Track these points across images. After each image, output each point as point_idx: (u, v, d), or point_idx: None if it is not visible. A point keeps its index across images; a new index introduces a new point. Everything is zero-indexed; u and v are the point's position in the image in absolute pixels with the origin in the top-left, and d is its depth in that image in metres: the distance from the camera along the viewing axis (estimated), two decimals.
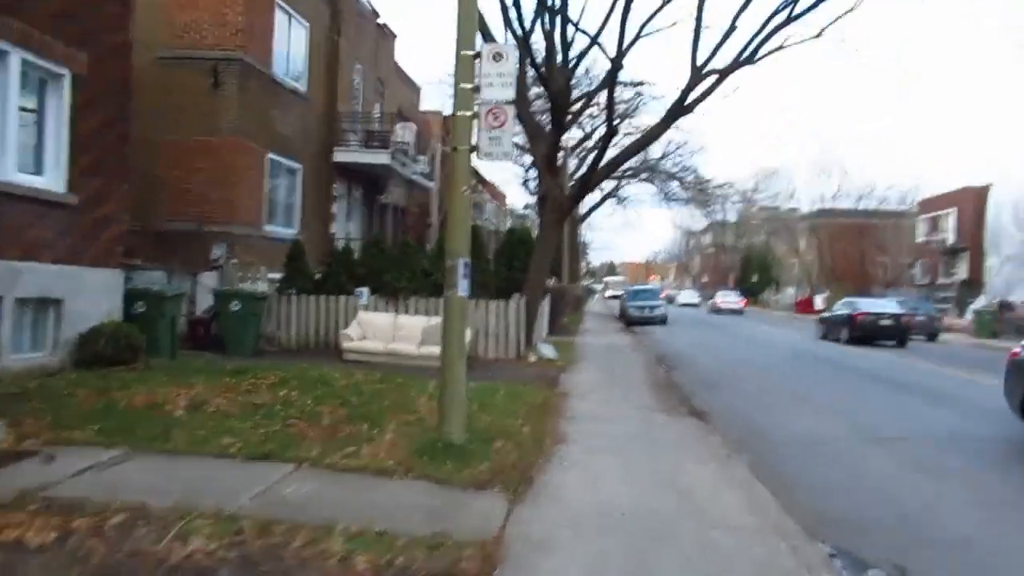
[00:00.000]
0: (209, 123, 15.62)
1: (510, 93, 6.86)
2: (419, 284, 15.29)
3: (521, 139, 21.11)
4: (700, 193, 41.27)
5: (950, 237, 51.25)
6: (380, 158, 20.63)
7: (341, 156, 20.57)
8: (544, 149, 16.31)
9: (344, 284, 15.32)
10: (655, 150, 39.65)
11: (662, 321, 34.62)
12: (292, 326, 15.42)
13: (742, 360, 19.86)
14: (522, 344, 15.31)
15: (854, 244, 60.04)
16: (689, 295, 76.77)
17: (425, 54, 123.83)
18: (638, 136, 15.99)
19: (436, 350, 13.83)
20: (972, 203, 48.25)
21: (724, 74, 14.95)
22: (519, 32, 15.28)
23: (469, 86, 6.76)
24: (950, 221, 51.68)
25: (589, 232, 66.23)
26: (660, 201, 44.61)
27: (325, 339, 15.24)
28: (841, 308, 27.90)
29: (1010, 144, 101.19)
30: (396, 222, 26.99)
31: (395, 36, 25.90)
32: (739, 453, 7.96)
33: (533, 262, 16.00)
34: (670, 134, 39.65)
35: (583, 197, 17.87)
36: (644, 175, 42.63)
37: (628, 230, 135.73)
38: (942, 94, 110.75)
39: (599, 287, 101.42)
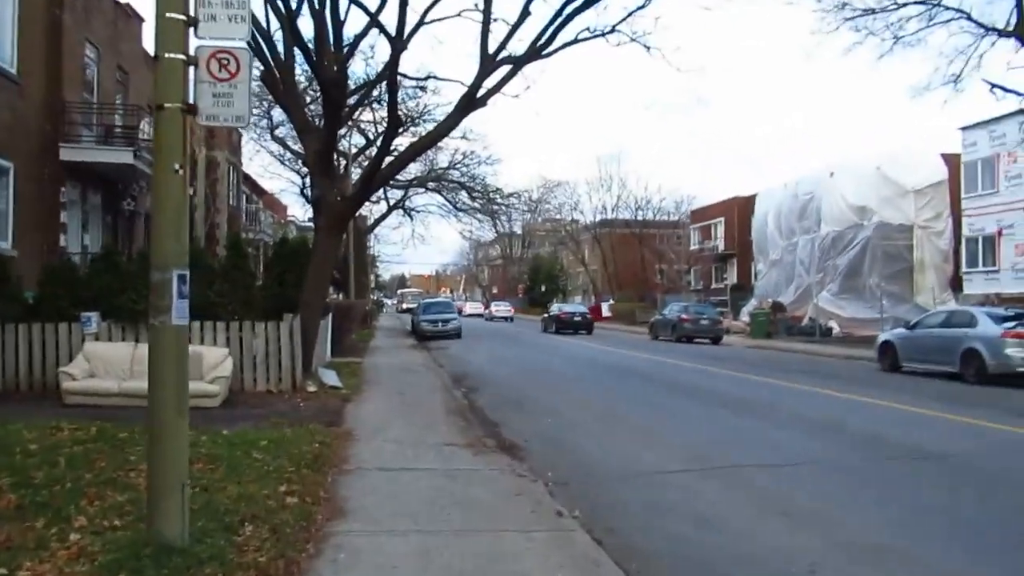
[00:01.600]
0: None
1: (243, 31, 4.76)
2: None
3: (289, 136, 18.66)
4: (488, 203, 40.43)
5: (720, 244, 54.40)
6: (121, 157, 17.30)
7: (71, 154, 17.01)
8: (316, 145, 14.08)
9: (65, 309, 12.17)
10: (442, 159, 38.37)
11: (456, 335, 33.12)
12: None
13: (543, 372, 18.68)
14: (298, 372, 12.96)
15: (635, 252, 62.48)
16: (474, 306, 78.00)
17: None
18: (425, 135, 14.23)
19: (189, 386, 11.28)
20: (739, 212, 51.45)
21: (518, 64, 13.58)
22: (281, 7, 12.99)
23: (179, 16, 4.58)
24: (720, 229, 54.89)
25: (377, 245, 63.92)
26: (448, 213, 43.45)
27: (43, 379, 12.01)
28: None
29: (773, 156, 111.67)
30: (149, 232, 23.32)
31: (142, 20, 22.35)
32: (570, 506, 6.32)
33: (309, 276, 13.71)
34: (458, 143, 38.75)
35: (364, 201, 15.82)
36: (431, 185, 41.20)
37: (417, 243, 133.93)
38: (719, 109, 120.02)
39: (392, 300, 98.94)
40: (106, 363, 11.65)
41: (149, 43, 23.01)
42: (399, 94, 13.12)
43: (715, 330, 31.84)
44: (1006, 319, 16.58)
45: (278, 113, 32.36)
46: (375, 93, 18.82)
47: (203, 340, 12.48)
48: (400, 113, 13.12)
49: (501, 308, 64.86)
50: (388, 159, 15.24)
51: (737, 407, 12.91)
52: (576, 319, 39.58)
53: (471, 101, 13.49)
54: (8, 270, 12.13)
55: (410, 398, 13.30)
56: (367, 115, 33.19)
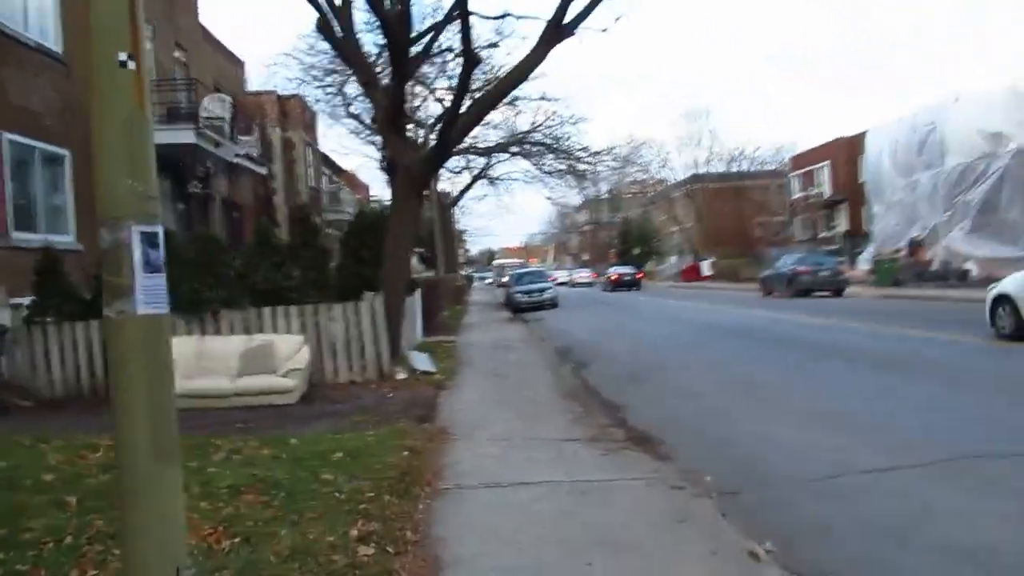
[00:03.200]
0: None
1: None
2: (232, 292, 11.05)
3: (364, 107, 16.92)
4: (577, 163, 38.16)
5: (826, 190, 50.50)
6: (182, 136, 16.01)
7: None
8: (385, 100, 12.35)
9: None
10: (523, 123, 36.34)
11: (552, 305, 31.30)
12: (54, 367, 10.83)
13: (655, 339, 16.59)
14: (384, 358, 11.34)
15: (731, 206, 59.02)
16: (561, 274, 76.16)
17: (255, 30, 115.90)
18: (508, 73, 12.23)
19: (260, 381, 9.66)
20: (845, 154, 47.49)
21: None
22: None
23: None
24: (825, 174, 50.92)
25: (463, 218, 62.54)
26: (533, 179, 41.41)
27: (105, 381, 10.74)
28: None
29: (884, 91, 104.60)
30: (229, 220, 22.26)
31: None
32: (756, 533, 4.35)
33: (387, 249, 12.04)
34: (539, 104, 36.63)
35: (444, 158, 14.02)
36: (514, 149, 39.21)
37: (503, 214, 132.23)
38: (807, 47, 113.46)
39: (482, 274, 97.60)
40: None
41: (207, 17, 21.59)
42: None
43: (836, 281, 28.87)
44: None
45: (352, 88, 31.01)
46: (444, 43, 16.96)
47: (276, 328, 11.00)
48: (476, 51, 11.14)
49: (583, 275, 69.21)
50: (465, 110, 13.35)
51: (908, 371, 10.53)
52: (626, 279, 49.36)
53: (557, 29, 11.43)
54: (58, 264, 10.88)
55: (513, 380, 11.53)
56: (442, 83, 31.56)
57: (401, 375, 11.30)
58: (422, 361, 12.37)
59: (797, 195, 53.77)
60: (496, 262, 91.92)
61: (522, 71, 11.87)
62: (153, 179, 2.87)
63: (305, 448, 6.46)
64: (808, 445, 6.76)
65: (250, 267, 11.16)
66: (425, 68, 32.86)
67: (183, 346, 10.43)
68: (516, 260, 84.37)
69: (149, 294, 2.81)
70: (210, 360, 10.29)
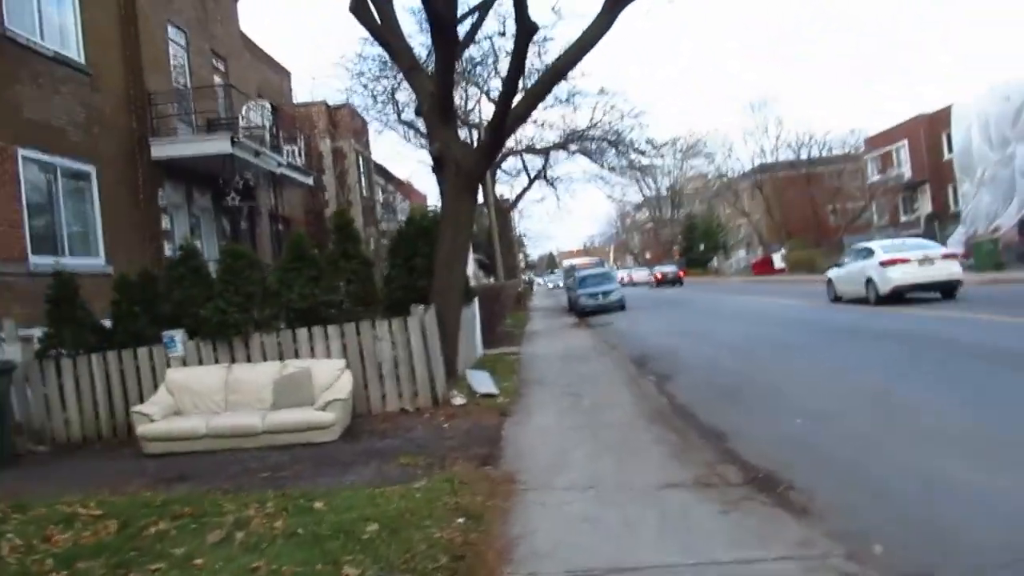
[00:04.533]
0: None
1: None
2: (264, 312, 9.70)
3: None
4: (639, 156, 36.40)
5: (907, 171, 47.40)
6: (215, 146, 14.86)
7: (162, 150, 14.76)
8: (431, 86, 10.89)
9: (142, 330, 9.62)
10: (582, 119, 34.82)
11: (620, 307, 29.48)
12: (70, 406, 9.64)
13: (743, 342, 14.71)
14: (439, 381, 9.84)
15: (802, 195, 56.09)
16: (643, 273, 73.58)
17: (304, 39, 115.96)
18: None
19: (295, 416, 8.00)
20: (926, 132, 44.49)
21: None
22: None
23: None
24: (903, 154, 47.84)
25: (522, 221, 61.09)
26: (593, 177, 39.84)
27: (126, 419, 9.50)
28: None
29: (963, 64, 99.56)
30: (276, 234, 21.18)
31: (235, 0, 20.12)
32: None
33: (438, 255, 10.56)
34: (599, 100, 35.12)
35: (498, 146, 12.52)
36: (573, 147, 37.67)
37: (562, 216, 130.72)
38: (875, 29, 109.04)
39: (551, 278, 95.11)
40: (194, 395, 9.00)
41: (246, 24, 20.54)
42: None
43: None
44: None
45: (403, 95, 29.86)
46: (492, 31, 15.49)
47: (314, 351, 9.61)
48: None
49: (641, 274, 68.59)
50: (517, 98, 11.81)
51: None
52: (669, 276, 53.09)
53: None
54: (74, 290, 9.69)
55: (589, 399, 9.92)
56: (495, 84, 30.22)
57: (458, 400, 9.78)
58: (482, 381, 10.85)
59: (875, 178, 50.65)
60: (566, 263, 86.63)
61: (584, 44, 10.26)
62: None
63: (332, 517, 4.96)
64: (1004, 494, 4.97)
65: (284, 283, 9.80)
66: (477, 69, 31.75)
67: (209, 377, 9.18)
68: (586, 259, 78.32)
69: None
70: (239, 392, 8.97)
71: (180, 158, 15.02)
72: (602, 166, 37.44)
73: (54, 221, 12.14)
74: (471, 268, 22.37)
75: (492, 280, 33.13)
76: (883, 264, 18.52)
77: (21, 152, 11.34)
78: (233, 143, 14.85)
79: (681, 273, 55.98)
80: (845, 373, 10.32)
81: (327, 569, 4.03)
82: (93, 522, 5.20)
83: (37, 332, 9.82)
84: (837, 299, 21.16)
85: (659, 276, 54.29)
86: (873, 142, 51.66)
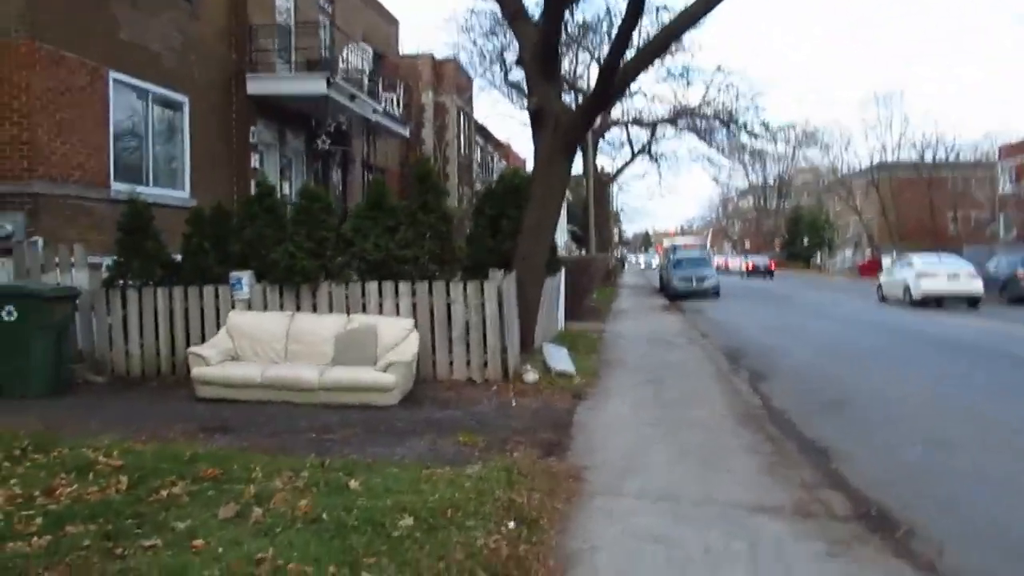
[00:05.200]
0: None
1: None
2: (335, 259, 9.14)
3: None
4: (754, 138, 34.62)
5: None
6: (312, 85, 14.40)
7: (259, 86, 14.42)
8: (535, 35, 10.02)
9: (210, 267, 9.22)
10: (694, 96, 33.34)
11: (715, 293, 28.14)
12: (132, 339, 9.34)
13: (845, 345, 13.43)
14: (512, 352, 9.09)
15: (922, 198, 52.62)
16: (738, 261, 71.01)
17: None
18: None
19: (354, 375, 7.25)
20: None
21: None
22: None
23: None
24: None
25: (620, 195, 59.49)
26: (699, 158, 38.17)
27: (185, 358, 9.12)
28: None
29: None
30: (369, 184, 20.78)
31: None
32: None
33: (526, 218, 9.76)
34: (715, 76, 33.53)
35: (601, 107, 11.58)
36: (682, 123, 36.08)
37: (664, 194, 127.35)
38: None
39: (642, 256, 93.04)
40: (253, 341, 8.53)
41: None
42: None
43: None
44: None
45: (512, 55, 29.01)
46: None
47: (381, 308, 9.00)
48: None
49: (737, 262, 67.34)
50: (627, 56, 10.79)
51: None
52: (760, 268, 53.37)
53: None
54: (146, 220, 9.36)
55: (674, 391, 9.01)
56: (606, 50, 28.98)
57: (530, 376, 9.01)
58: (559, 358, 10.04)
59: (1007, 189, 46.93)
60: (666, 242, 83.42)
61: (705, 2, 9.16)
62: None
63: (364, 502, 4.27)
64: None
65: (359, 232, 9.21)
66: (590, 35, 30.62)
67: (271, 323, 8.69)
68: (691, 239, 74.77)
69: None
70: (300, 343, 8.45)
71: (276, 96, 14.67)
72: (710, 144, 35.76)
73: (141, 148, 11.92)
74: (562, 238, 21.50)
75: (583, 252, 32.15)
76: (918, 276, 22.60)
77: (113, 74, 11.09)
78: (329, 83, 14.35)
79: (772, 265, 55.66)
80: (959, 389, 9.08)
81: (340, 573, 3.33)
82: (108, 474, 4.69)
83: (108, 261, 9.55)
84: (883, 300, 25.08)
85: (750, 266, 54.84)
86: (1009, 151, 47.79)
